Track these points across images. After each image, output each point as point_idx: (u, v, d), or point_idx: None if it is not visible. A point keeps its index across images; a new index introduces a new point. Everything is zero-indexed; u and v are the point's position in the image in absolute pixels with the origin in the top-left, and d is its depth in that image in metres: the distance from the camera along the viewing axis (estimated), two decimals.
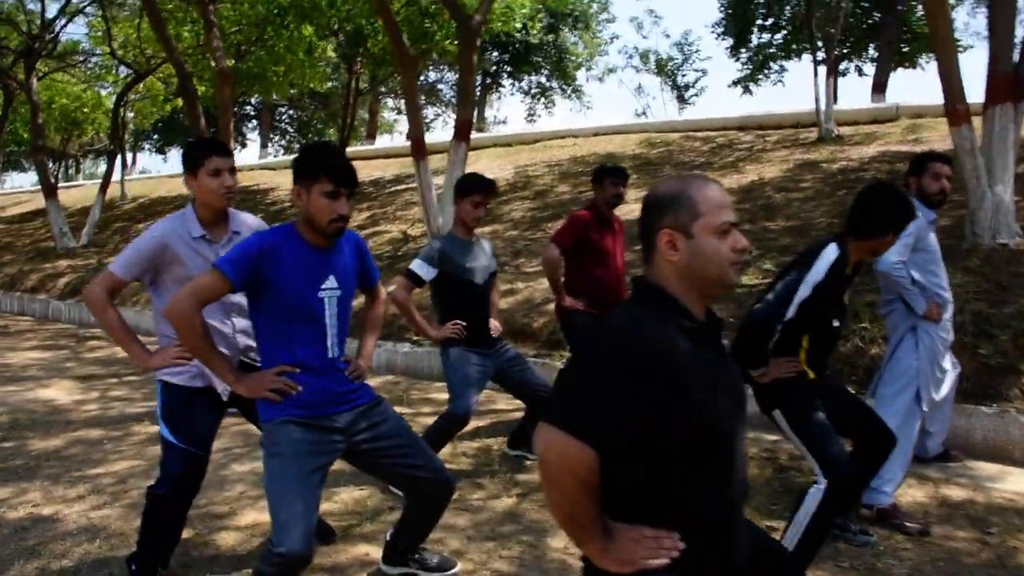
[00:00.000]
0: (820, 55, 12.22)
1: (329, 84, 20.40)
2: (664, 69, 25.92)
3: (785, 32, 20.19)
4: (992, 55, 5.58)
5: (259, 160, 24.41)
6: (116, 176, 18.26)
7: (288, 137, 31.89)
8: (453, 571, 2.78)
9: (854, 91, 52.85)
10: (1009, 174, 5.55)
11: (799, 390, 2.68)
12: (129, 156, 28.00)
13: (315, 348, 2.26)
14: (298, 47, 14.00)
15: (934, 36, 5.58)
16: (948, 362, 3.56)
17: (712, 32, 22.35)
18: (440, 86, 29.44)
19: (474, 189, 3.72)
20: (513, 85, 27.08)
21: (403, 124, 40.41)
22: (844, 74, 20.06)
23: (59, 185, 17.99)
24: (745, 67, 21.84)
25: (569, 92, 26.79)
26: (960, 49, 13.73)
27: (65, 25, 16.10)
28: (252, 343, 2.67)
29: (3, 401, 5.80)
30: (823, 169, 9.37)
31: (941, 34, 5.54)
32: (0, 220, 21.06)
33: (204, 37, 12.15)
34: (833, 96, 11.49)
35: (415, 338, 6.90)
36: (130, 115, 19.11)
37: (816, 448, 2.56)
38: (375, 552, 2.96)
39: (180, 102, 17.71)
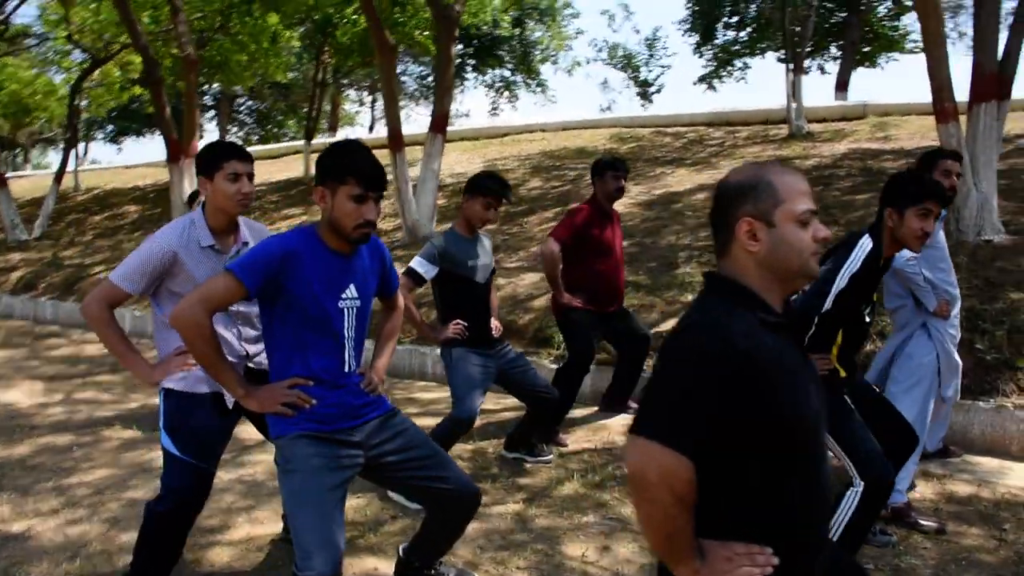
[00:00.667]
0: (784, 53, 12.32)
1: (291, 75, 19.90)
2: (631, 63, 25.94)
3: (750, 29, 20.38)
4: (977, 54, 5.62)
5: None
6: (70, 166, 17.55)
7: (247, 129, 31.07)
8: None
9: (817, 89, 54.05)
10: (993, 171, 5.62)
11: (831, 389, 2.60)
12: (81, 146, 27.01)
13: (332, 360, 2.11)
14: (263, 36, 13.61)
15: (925, 33, 5.58)
16: (957, 357, 3.55)
17: (679, 29, 22.46)
18: (404, 78, 29.00)
19: (489, 192, 3.49)
20: (476, 79, 26.83)
21: (365, 116, 39.75)
22: (807, 72, 20.34)
23: (8, 175, 17.23)
24: (709, 64, 22.02)
25: (534, 86, 26.64)
26: None
27: (17, 7, 15.39)
28: (255, 350, 2.52)
29: None
30: (796, 165, 9.42)
31: (931, 31, 5.55)
32: None
33: (169, 21, 11.67)
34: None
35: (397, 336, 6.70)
36: (84, 103, 18.32)
37: (852, 449, 2.49)
38: (384, 566, 2.80)
39: (138, 90, 17.08)
